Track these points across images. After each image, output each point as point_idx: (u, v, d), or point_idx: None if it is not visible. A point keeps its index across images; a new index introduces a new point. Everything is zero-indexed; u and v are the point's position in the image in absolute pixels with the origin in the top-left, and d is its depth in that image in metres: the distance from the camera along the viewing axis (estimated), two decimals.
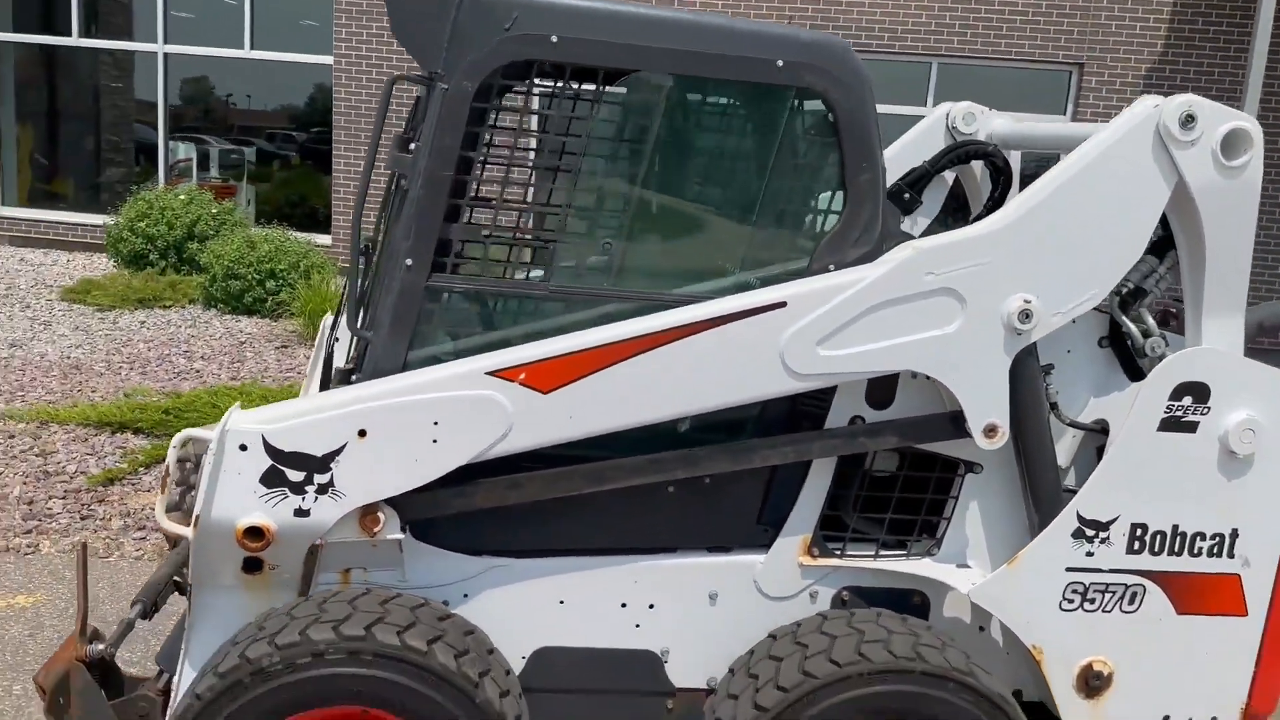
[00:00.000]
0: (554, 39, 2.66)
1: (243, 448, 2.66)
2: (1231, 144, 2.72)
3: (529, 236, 3.06)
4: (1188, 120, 2.69)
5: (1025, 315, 2.75)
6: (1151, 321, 2.95)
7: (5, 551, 5.05)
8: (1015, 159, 3.78)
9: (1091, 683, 2.94)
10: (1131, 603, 2.92)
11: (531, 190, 2.96)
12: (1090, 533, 2.87)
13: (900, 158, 3.95)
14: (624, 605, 2.98)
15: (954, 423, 2.86)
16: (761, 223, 2.94)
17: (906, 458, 3.01)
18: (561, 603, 2.96)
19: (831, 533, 3.03)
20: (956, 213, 4.01)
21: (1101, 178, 2.75)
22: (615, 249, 2.88)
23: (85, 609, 2.84)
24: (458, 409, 2.69)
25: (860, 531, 3.07)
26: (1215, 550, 2.91)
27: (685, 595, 3.00)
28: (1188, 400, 2.82)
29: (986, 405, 2.82)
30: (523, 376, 2.70)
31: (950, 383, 2.81)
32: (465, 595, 2.94)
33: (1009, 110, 4.18)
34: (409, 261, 2.76)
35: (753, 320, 2.73)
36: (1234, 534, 2.91)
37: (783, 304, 2.73)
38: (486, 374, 2.69)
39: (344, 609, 2.61)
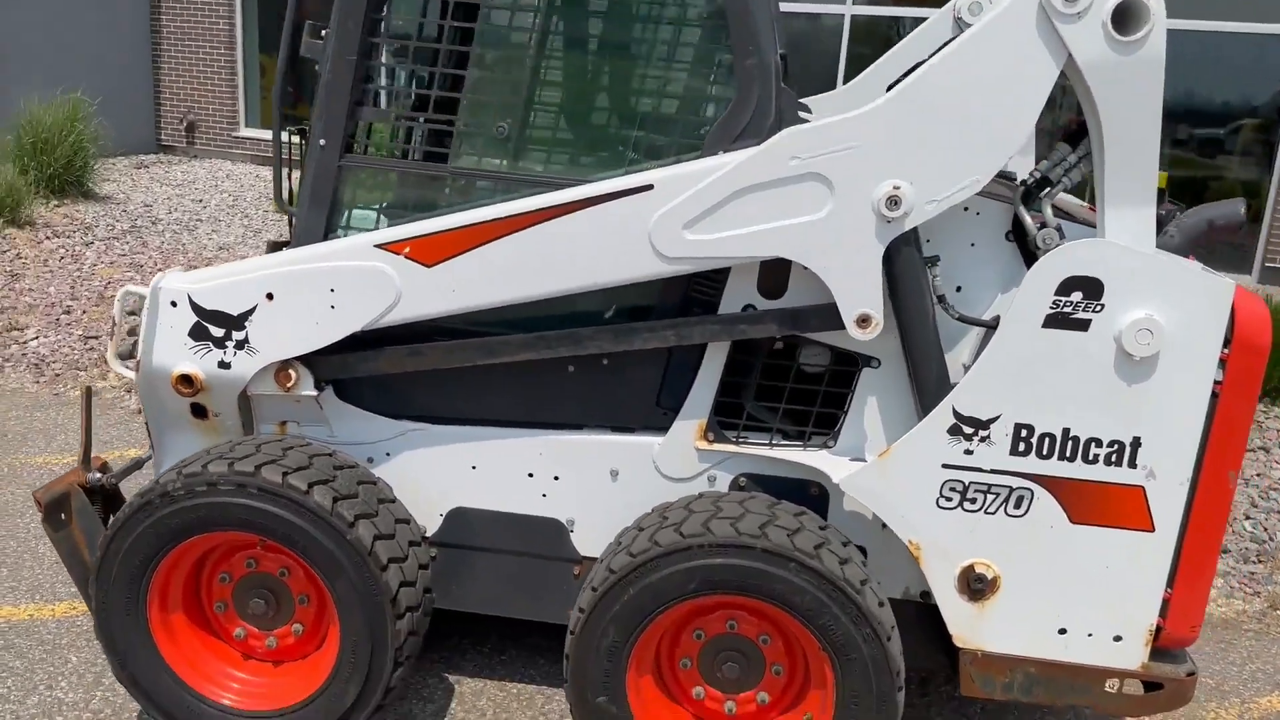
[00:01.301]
0: None
1: (173, 304, 3.03)
2: (1125, 16, 2.51)
3: (430, 119, 3.19)
4: None
5: (893, 202, 2.67)
6: (1049, 212, 2.77)
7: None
8: None
9: (974, 585, 2.87)
10: (1018, 507, 2.81)
11: (433, 75, 3.10)
12: (969, 430, 2.77)
13: (905, 53, 3.82)
14: (531, 475, 3.16)
15: (833, 313, 2.83)
16: (653, 109, 2.98)
17: (830, 352, 3.00)
18: (474, 468, 3.18)
19: (735, 420, 3.07)
20: None
21: (979, 59, 2.61)
22: (510, 133, 3.01)
23: (88, 442, 3.32)
24: (351, 278, 2.94)
25: (759, 420, 3.10)
26: (1114, 459, 2.74)
27: (589, 471, 3.14)
28: (1077, 296, 2.66)
29: (859, 295, 2.77)
30: (407, 250, 2.91)
31: (821, 271, 2.78)
32: (387, 454, 3.21)
33: None
34: (322, 142, 3.01)
35: (622, 202, 2.80)
36: (1135, 443, 2.72)
37: (650, 186, 2.79)
38: (375, 247, 2.92)
39: (248, 449, 2.94)
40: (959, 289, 2.92)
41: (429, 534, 3.24)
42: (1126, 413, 2.71)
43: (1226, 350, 2.67)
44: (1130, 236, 2.65)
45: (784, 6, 13.80)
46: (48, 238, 9.22)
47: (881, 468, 2.85)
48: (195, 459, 2.95)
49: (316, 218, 3.07)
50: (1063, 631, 2.87)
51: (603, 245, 2.83)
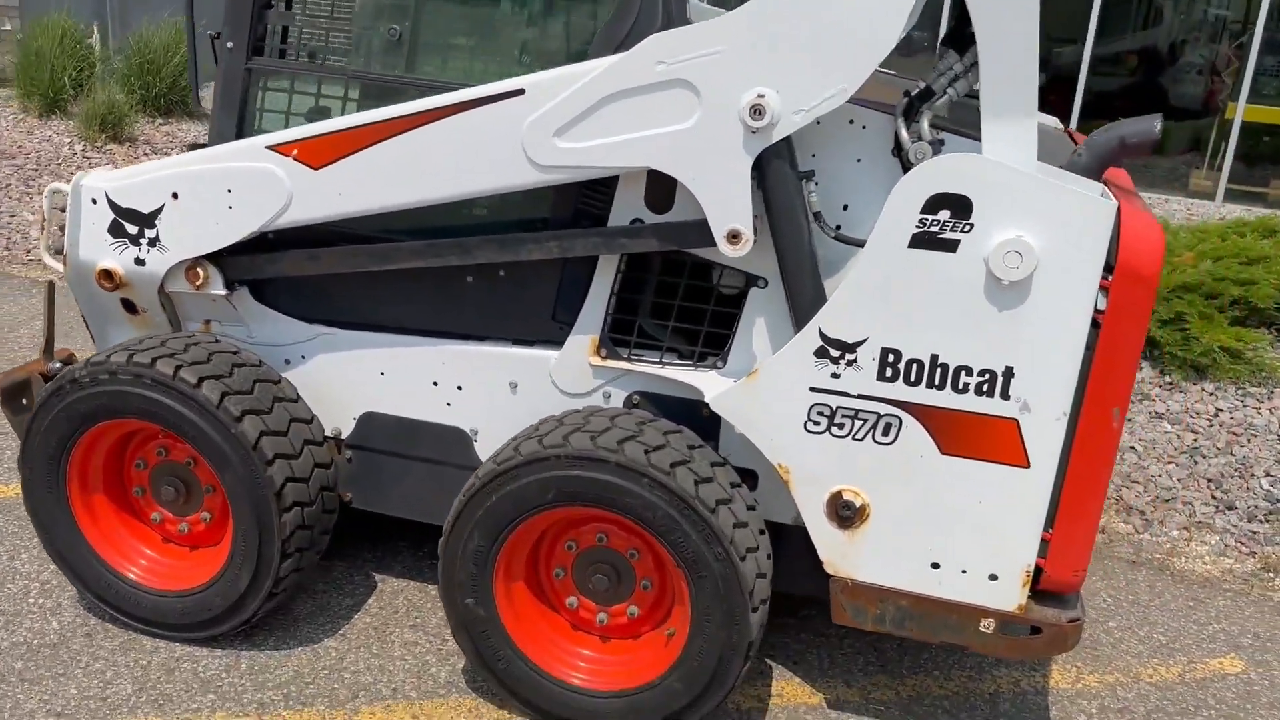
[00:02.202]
0: None
1: (93, 201, 3.17)
2: None
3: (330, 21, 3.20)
4: None
5: (758, 111, 2.56)
6: (925, 125, 2.61)
7: None
8: None
9: (842, 513, 2.79)
10: (886, 434, 2.70)
11: None
12: (835, 353, 2.67)
13: None
14: (436, 384, 3.21)
15: (708, 228, 2.75)
16: (543, 13, 2.92)
17: (716, 270, 2.93)
18: (382, 374, 3.25)
19: (629, 337, 3.04)
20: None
21: None
22: (402, 36, 3.00)
23: (50, 333, 3.53)
24: (245, 180, 3.01)
25: (653, 338, 3.06)
26: (985, 389, 2.60)
27: (489, 382, 3.16)
28: (945, 215, 2.51)
29: (728, 209, 2.69)
30: (295, 153, 2.96)
31: (691, 183, 2.70)
32: (302, 357, 3.31)
33: None
34: (230, 45, 3.07)
35: (494, 107, 2.77)
36: (1008, 373, 2.58)
37: (520, 91, 2.75)
38: (266, 149, 2.98)
39: (152, 344, 3.07)
40: (845, 207, 2.79)
41: (344, 436, 3.32)
42: (998, 341, 2.56)
43: (1109, 277, 2.49)
44: (1007, 151, 2.48)
45: None
46: (146, 154, 9.68)
47: (749, 389, 2.78)
48: (106, 350, 3.10)
49: (227, 120, 3.14)
50: (936, 566, 2.77)
51: (477, 152, 2.82)
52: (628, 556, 2.93)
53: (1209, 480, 4.58)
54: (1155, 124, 2.59)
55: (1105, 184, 2.68)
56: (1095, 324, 2.52)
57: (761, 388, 2.76)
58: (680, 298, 2.98)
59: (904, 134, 2.60)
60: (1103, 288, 2.50)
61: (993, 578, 2.74)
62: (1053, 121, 3.72)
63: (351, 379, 3.28)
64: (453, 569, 2.90)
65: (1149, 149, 2.63)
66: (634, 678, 2.92)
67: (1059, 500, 2.67)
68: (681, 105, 2.64)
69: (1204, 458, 4.74)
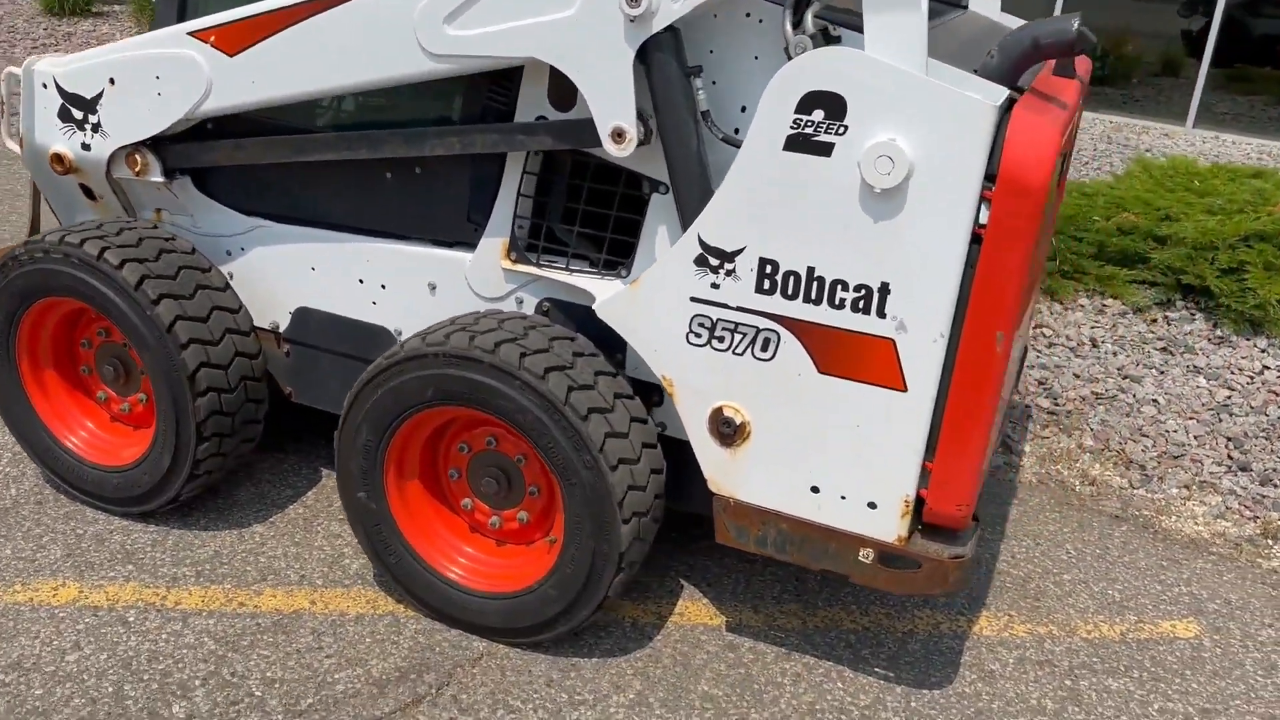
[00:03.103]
0: None
1: (44, 86, 3.27)
2: None
3: None
4: None
5: None
6: (810, 18, 2.42)
7: None
8: None
9: (723, 429, 2.69)
10: (765, 349, 2.58)
11: None
12: (714, 262, 2.56)
13: None
14: (361, 281, 3.22)
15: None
16: None
17: (622, 174, 2.83)
18: (313, 269, 3.28)
19: (550, 242, 2.98)
20: None
21: None
22: None
23: (36, 216, 3.70)
24: (170, 66, 3.05)
25: (566, 244, 2.99)
26: (861, 305, 2.45)
27: (410, 282, 3.16)
28: (819, 115, 2.35)
29: (611, 105, 2.58)
30: (213, 39, 2.98)
31: (575, 76, 2.60)
32: (242, 249, 3.37)
33: None
34: None
35: None
36: (884, 289, 2.42)
37: None
38: (188, 35, 3.00)
39: (88, 228, 3.16)
40: (744, 109, 2.64)
41: (282, 330, 3.38)
42: (873, 254, 2.40)
43: (992, 188, 2.29)
44: (886, 48, 2.29)
45: None
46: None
47: (632, 297, 2.70)
48: (48, 231, 3.22)
49: (168, 7, 3.19)
50: (815, 490, 2.65)
51: (373, 39, 2.78)
52: (516, 461, 2.91)
53: (1229, 439, 4.24)
54: (1072, 23, 2.36)
55: (1019, 89, 2.47)
56: (978, 239, 2.33)
57: (644, 296, 2.67)
58: (584, 202, 2.89)
59: (788, 27, 2.43)
60: (986, 199, 2.30)
61: (871, 506, 2.60)
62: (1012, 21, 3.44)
63: (285, 273, 3.32)
64: (346, 461, 2.93)
65: (1066, 50, 2.39)
66: (517, 581, 2.91)
67: (938, 425, 2.50)
68: None
69: (1231, 416, 4.40)
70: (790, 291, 2.50)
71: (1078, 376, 4.69)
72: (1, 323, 3.27)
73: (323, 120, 3.12)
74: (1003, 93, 2.36)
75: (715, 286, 2.58)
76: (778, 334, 2.55)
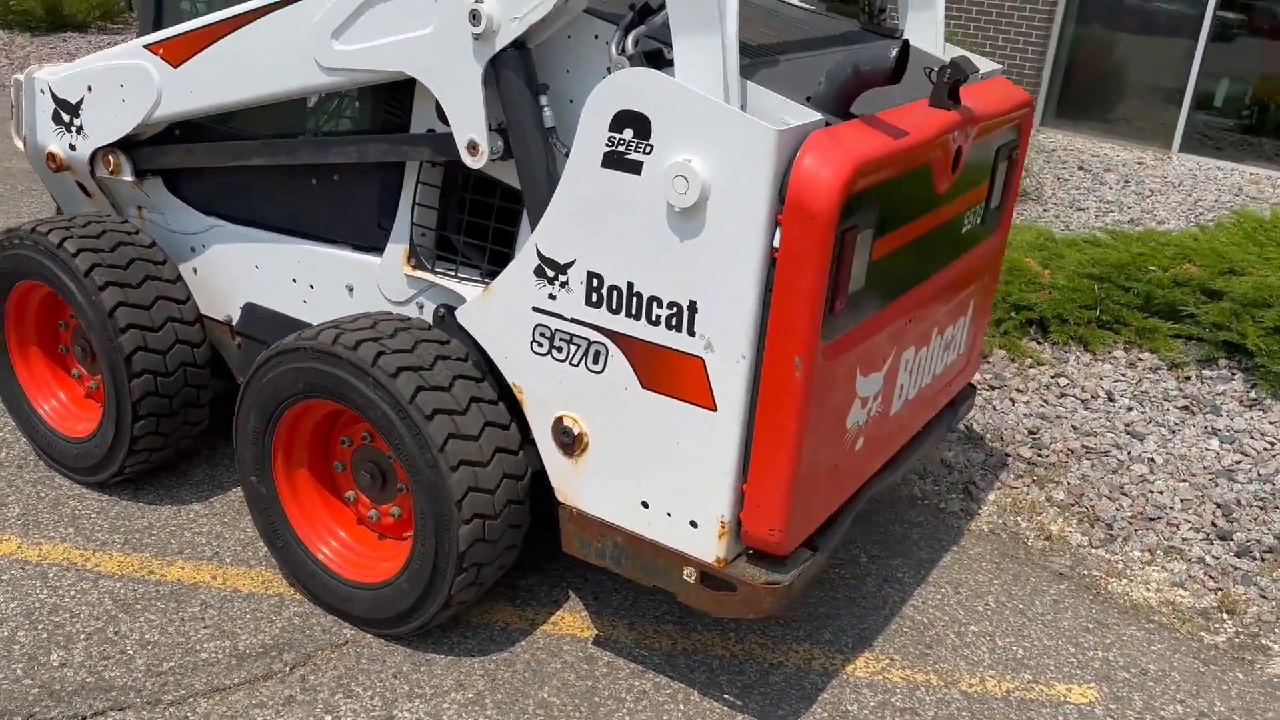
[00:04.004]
0: None
1: (41, 92, 3.64)
2: None
3: None
4: None
5: (475, 17, 2.55)
6: (630, 40, 2.46)
7: None
8: None
9: (563, 439, 2.74)
10: (596, 362, 2.63)
11: None
12: (550, 273, 2.63)
13: None
14: (294, 280, 3.44)
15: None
16: None
17: (499, 185, 2.94)
18: (257, 268, 3.52)
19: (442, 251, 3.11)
20: None
21: None
22: None
23: (60, 209, 4.11)
24: (130, 75, 3.35)
25: (465, 256, 3.11)
26: (674, 323, 2.47)
27: (332, 283, 3.35)
28: (629, 134, 2.40)
29: (465, 119, 2.70)
30: (161, 51, 3.26)
31: (435, 91, 2.73)
32: (202, 246, 3.64)
33: None
34: None
35: (290, 9, 2.93)
36: (692, 307, 2.43)
37: None
38: (143, 48, 3.30)
39: (60, 221, 3.49)
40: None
41: (234, 323, 3.63)
42: (681, 272, 2.42)
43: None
44: (690, 70, 2.33)
45: None
46: None
47: (485, 304, 2.80)
48: (29, 221, 3.58)
49: (145, 21, 3.51)
50: (645, 505, 2.67)
51: (277, 54, 2.99)
52: (389, 457, 3.03)
53: (1219, 505, 3.96)
54: (890, 52, 2.34)
55: (848, 115, 2.46)
56: (774, 261, 2.32)
57: (494, 305, 2.77)
58: (468, 212, 3.01)
59: (613, 49, 2.49)
60: (780, 223, 2.30)
61: (693, 525, 2.60)
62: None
63: (236, 270, 3.57)
64: (240, 447, 3.12)
65: (883, 78, 2.37)
66: (381, 573, 3.03)
67: (747, 447, 2.49)
68: (422, 10, 2.68)
69: (1232, 481, 4.10)
70: (615, 306, 2.55)
71: (1075, 429, 4.47)
72: None
73: (255, 128, 3.35)
74: (810, 119, 2.35)
75: (552, 298, 2.65)
76: (606, 347, 2.60)
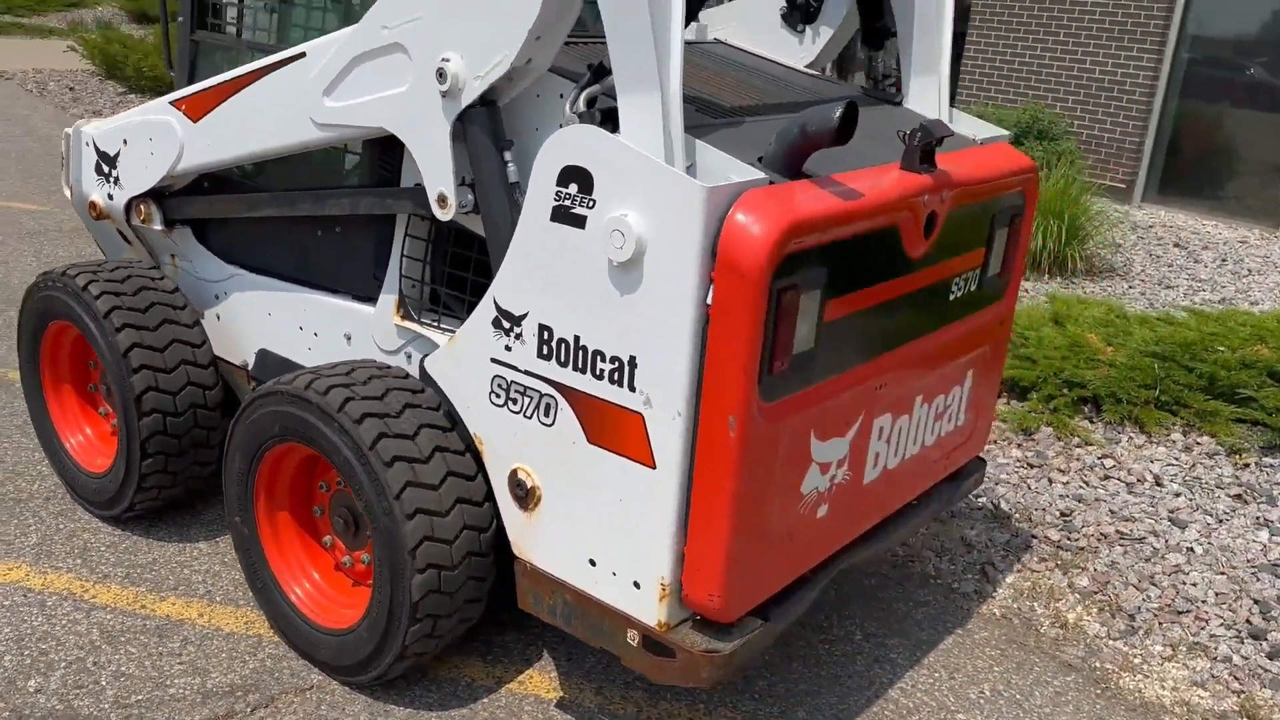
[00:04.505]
0: None
1: (87, 145, 3.87)
2: None
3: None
4: None
5: (441, 75, 2.62)
6: (582, 98, 2.48)
7: None
8: None
9: (516, 492, 2.74)
10: (547, 414, 2.62)
11: None
12: (506, 325, 2.64)
13: None
14: (301, 328, 3.55)
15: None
16: None
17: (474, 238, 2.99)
18: (269, 315, 3.64)
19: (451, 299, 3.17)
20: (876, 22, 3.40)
21: None
22: (273, 7, 3.37)
23: None
24: (157, 129, 3.54)
25: (448, 307, 3.17)
26: (616, 377, 2.45)
27: (333, 331, 3.44)
28: (574, 188, 2.41)
29: (435, 173, 2.76)
30: (184, 107, 3.43)
31: (410, 146, 2.80)
32: (225, 293, 3.79)
33: None
34: (180, 18, 3.63)
35: (288, 69, 3.06)
36: (633, 362, 2.41)
37: (303, 55, 3.01)
38: (169, 104, 3.48)
39: (88, 265, 3.68)
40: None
41: (250, 368, 3.75)
42: (622, 326, 2.41)
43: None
44: (631, 126, 2.34)
45: None
46: None
47: (449, 354, 2.83)
48: (66, 266, 3.78)
49: (180, 79, 3.70)
50: (593, 563, 2.63)
51: (278, 110, 3.11)
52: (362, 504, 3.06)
53: (1257, 601, 3.69)
54: (834, 113, 2.31)
55: (799, 175, 2.43)
56: (708, 319, 2.29)
57: (457, 354, 2.80)
58: (448, 263, 3.07)
59: (567, 107, 2.52)
60: (713, 279, 2.27)
61: (636, 585, 2.55)
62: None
63: (251, 317, 3.69)
64: (226, 486, 3.20)
65: (829, 139, 2.34)
66: (346, 619, 3.04)
67: (685, 507, 2.44)
68: (400, 69, 2.76)
69: (1277, 577, 3.82)
70: (563, 359, 2.55)
71: (1113, 513, 4.24)
72: (29, 340, 3.85)
73: (272, 181, 3.49)
74: (752, 177, 2.33)
75: (508, 349, 2.66)
76: (556, 400, 2.59)
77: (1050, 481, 4.50)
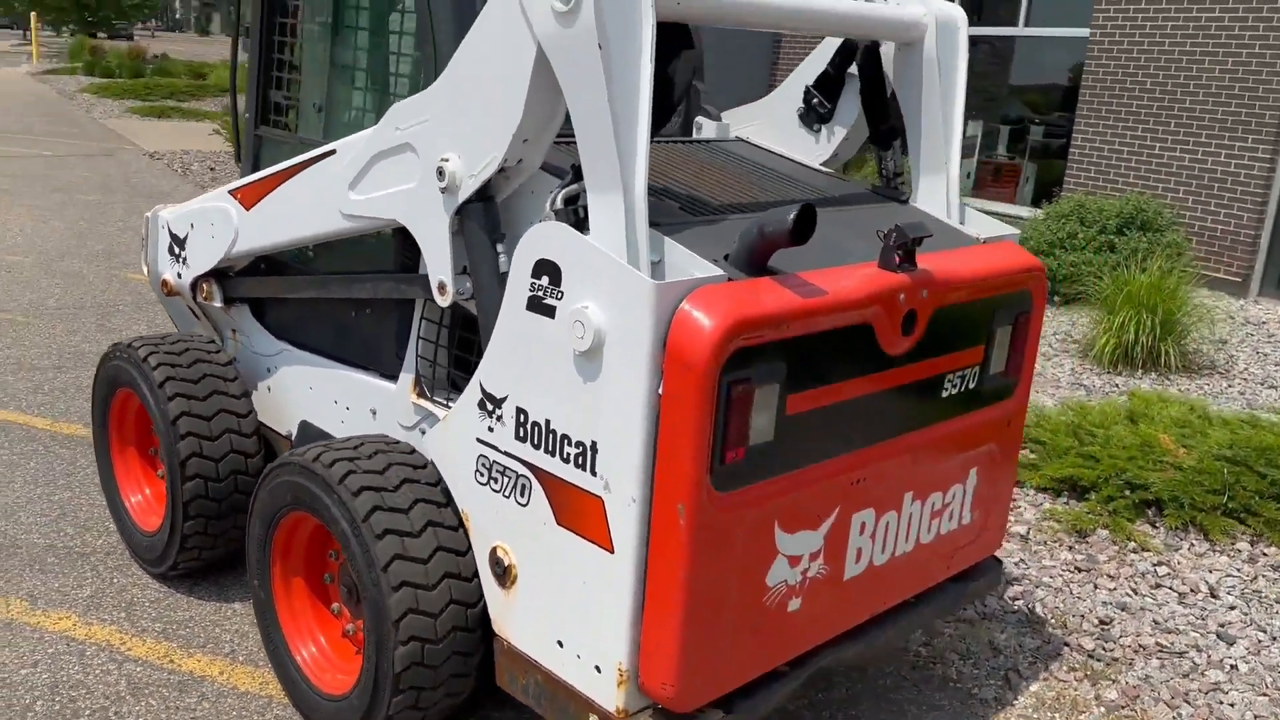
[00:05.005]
0: None
1: (163, 228, 4.21)
2: None
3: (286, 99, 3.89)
4: None
5: (440, 173, 2.80)
6: (561, 196, 2.60)
7: None
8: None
9: (495, 569, 2.83)
10: (522, 495, 2.72)
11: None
12: (490, 406, 2.77)
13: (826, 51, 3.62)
14: (335, 402, 3.75)
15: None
16: (400, 88, 3.38)
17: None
18: (310, 389, 3.87)
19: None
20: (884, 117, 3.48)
21: (484, 32, 2.64)
22: (322, 107, 3.64)
23: None
24: (216, 215, 3.83)
25: (457, 387, 3.32)
26: (580, 461, 2.54)
27: (362, 406, 3.64)
28: (545, 280, 2.54)
29: (436, 262, 2.93)
30: (240, 196, 3.72)
31: (417, 237, 2.98)
32: (276, 366, 4.04)
33: None
34: (246, 115, 3.95)
35: (321, 164, 3.30)
36: (594, 448, 2.50)
37: (333, 151, 3.24)
38: (228, 192, 3.78)
39: (153, 338, 3.99)
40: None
41: (293, 438, 3.98)
42: (585, 412, 2.50)
43: None
44: (598, 222, 2.46)
45: (1031, 31, 12.15)
46: None
47: (442, 432, 2.96)
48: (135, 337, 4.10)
49: (245, 172, 4.01)
50: (560, 645, 2.69)
51: (312, 201, 3.35)
52: None
53: None
54: (789, 215, 2.38)
55: (762, 272, 2.50)
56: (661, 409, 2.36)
57: (448, 432, 2.93)
58: (454, 345, 3.22)
59: (547, 205, 2.66)
60: (664, 370, 2.35)
61: (598, 670, 2.60)
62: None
63: (295, 390, 3.92)
64: (248, 550, 3.39)
65: (785, 240, 2.41)
66: (344, 686, 3.16)
67: (641, 593, 2.48)
68: (409, 166, 2.96)
69: None
70: (536, 441, 2.65)
71: (1156, 624, 4.07)
72: (99, 403, 4.17)
73: (317, 264, 3.73)
74: (710, 274, 2.42)
75: (491, 430, 2.78)
76: (530, 481, 2.69)
77: (1095, 587, 4.35)
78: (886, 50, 3.35)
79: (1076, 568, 4.50)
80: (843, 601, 2.89)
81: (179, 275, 4.15)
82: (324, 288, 3.55)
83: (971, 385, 3.09)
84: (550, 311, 2.54)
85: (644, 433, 2.38)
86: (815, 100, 3.54)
